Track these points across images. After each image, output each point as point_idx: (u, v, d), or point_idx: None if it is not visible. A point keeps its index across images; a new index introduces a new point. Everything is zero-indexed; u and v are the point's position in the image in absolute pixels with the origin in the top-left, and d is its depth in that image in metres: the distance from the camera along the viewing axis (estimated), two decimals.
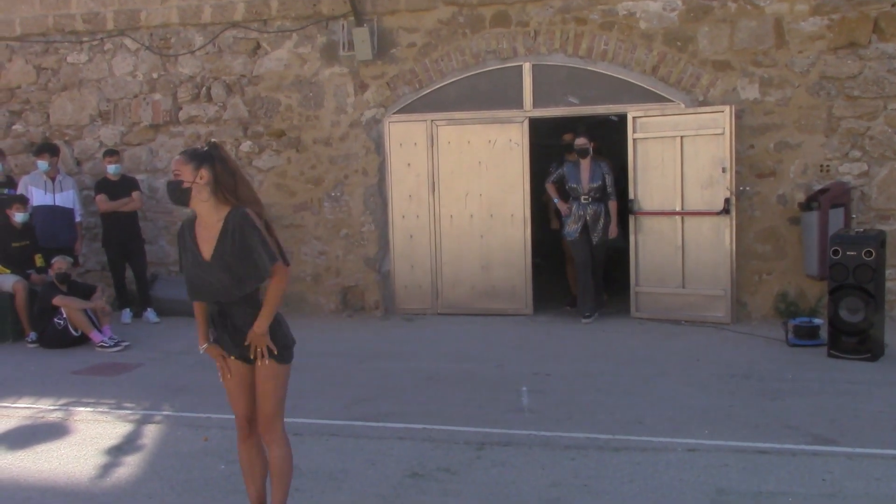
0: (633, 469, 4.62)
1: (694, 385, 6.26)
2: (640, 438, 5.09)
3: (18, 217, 8.73)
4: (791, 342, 7.35)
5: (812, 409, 5.56)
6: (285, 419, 3.81)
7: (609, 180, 8.66)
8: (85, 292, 8.51)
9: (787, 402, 5.75)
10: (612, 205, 8.70)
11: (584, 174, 8.71)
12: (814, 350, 7.12)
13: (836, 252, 6.83)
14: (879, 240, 6.81)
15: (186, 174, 3.64)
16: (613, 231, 8.67)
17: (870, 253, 6.69)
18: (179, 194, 3.67)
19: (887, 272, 7.34)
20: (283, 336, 3.77)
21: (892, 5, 8.01)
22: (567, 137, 9.11)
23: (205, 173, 3.64)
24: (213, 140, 3.90)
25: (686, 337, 7.91)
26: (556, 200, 9.01)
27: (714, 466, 4.60)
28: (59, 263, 8.39)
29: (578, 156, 8.72)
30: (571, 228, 8.75)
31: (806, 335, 7.33)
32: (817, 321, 7.47)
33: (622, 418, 5.50)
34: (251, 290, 3.68)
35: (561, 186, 8.98)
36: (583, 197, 8.68)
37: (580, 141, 8.67)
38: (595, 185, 8.64)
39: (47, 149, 9.43)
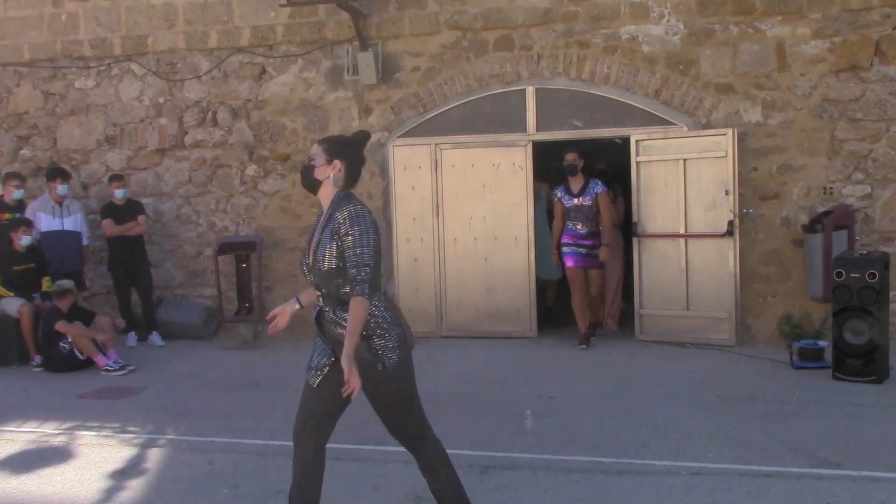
0: (637, 492, 4.60)
1: (698, 408, 6.24)
2: (645, 462, 5.08)
3: (25, 241, 8.75)
4: (796, 364, 7.33)
5: (817, 431, 5.54)
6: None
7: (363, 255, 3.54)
8: (86, 318, 8.53)
9: (791, 424, 5.73)
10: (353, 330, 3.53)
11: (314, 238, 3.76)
12: (818, 372, 7.10)
13: (839, 274, 6.83)
14: (883, 262, 6.81)
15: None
16: None
17: (873, 275, 6.70)
18: None
19: (891, 294, 7.33)
20: None
21: (893, 28, 8.06)
22: (569, 157, 8.60)
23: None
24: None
25: (690, 359, 7.89)
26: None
27: (718, 490, 4.59)
28: (62, 302, 8.42)
29: (306, 190, 3.91)
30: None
31: (810, 357, 7.32)
32: (822, 343, 7.45)
33: (626, 441, 5.49)
34: None
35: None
36: (322, 297, 3.75)
37: (315, 148, 3.81)
38: (329, 268, 3.62)
39: (60, 173, 9.48)
